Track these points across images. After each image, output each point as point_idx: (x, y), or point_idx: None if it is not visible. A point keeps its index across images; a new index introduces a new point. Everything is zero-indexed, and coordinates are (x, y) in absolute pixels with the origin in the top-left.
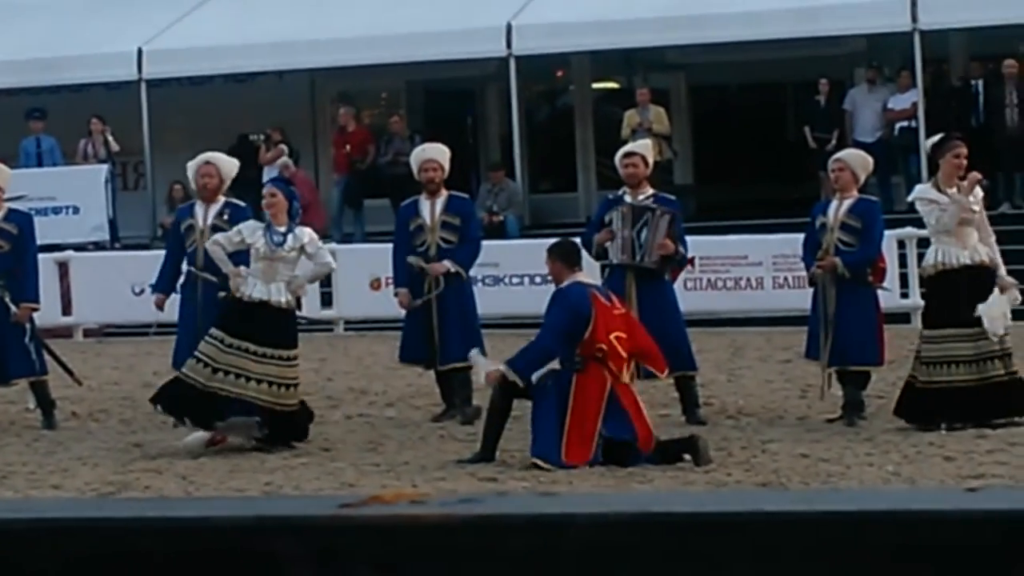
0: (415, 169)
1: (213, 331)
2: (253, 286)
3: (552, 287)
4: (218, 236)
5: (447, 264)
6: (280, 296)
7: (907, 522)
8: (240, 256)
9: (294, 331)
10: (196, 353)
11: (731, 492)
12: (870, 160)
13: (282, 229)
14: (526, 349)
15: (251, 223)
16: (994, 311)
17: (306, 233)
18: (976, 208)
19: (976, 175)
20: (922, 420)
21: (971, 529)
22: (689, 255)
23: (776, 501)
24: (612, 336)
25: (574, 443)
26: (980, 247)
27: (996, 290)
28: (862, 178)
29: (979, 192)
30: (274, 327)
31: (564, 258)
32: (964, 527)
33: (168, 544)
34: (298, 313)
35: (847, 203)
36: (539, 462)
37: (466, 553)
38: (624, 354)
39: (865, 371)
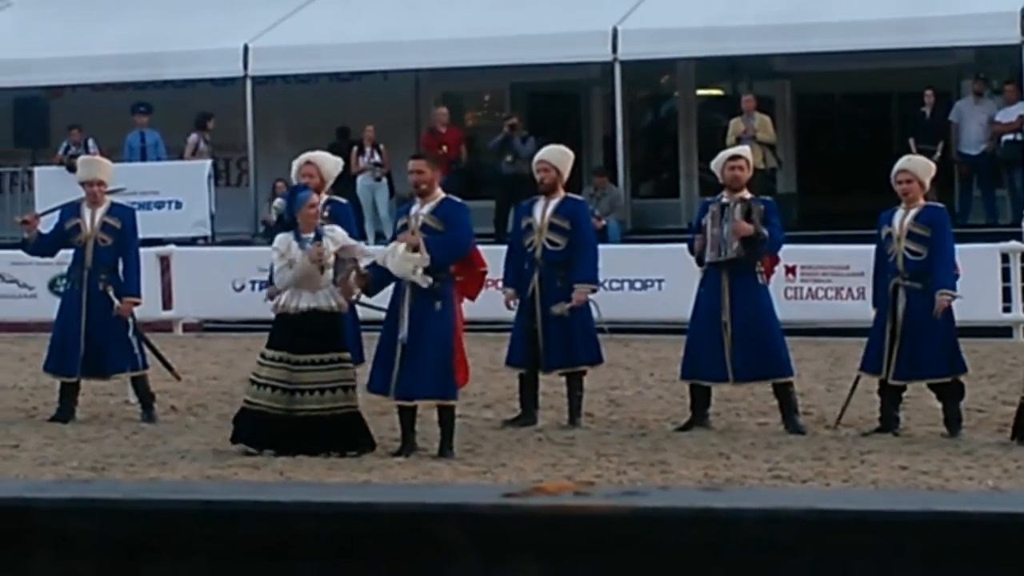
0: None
1: (272, 353)
2: (299, 297)
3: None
4: (277, 262)
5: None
6: (330, 301)
7: None
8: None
9: (343, 333)
10: (260, 380)
11: (900, 491)
12: (932, 165)
13: (310, 235)
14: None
15: (280, 236)
16: None
17: (336, 231)
18: None
19: None
20: None
21: None
22: (790, 264)
23: (947, 502)
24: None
25: (462, 361)
26: None
27: None
28: (928, 184)
29: None
30: (328, 331)
31: (438, 165)
32: None
33: (333, 528)
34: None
35: (913, 211)
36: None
37: (632, 546)
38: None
39: (954, 382)
